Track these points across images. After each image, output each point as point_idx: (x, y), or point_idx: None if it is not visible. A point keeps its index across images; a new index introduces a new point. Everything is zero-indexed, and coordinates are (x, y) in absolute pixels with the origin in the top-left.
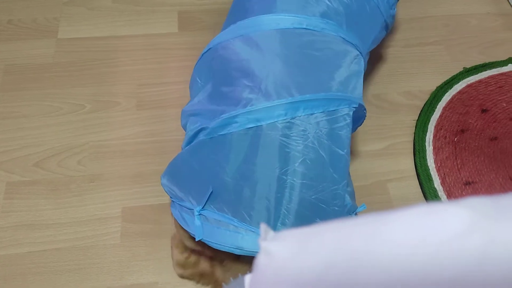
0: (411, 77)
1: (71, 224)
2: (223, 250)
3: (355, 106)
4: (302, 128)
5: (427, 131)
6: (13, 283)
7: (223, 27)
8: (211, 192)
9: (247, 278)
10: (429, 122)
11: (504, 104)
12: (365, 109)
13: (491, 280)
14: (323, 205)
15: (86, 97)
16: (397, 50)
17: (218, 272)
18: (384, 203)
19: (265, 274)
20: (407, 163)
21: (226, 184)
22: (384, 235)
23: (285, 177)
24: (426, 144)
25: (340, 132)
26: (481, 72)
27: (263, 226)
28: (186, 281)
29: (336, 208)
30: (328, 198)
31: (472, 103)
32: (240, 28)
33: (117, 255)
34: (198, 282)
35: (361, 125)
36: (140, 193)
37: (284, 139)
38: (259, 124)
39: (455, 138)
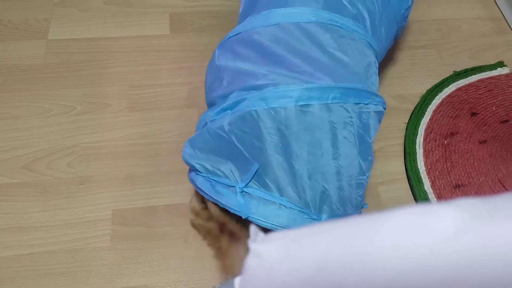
0: (402, 80)
1: (61, 226)
2: (268, 227)
3: (384, 106)
4: (350, 115)
5: (417, 134)
6: (1, 286)
7: (253, 11)
8: (258, 168)
9: (237, 280)
10: (419, 125)
11: (494, 108)
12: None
13: (484, 280)
14: (351, 192)
15: (77, 99)
16: (389, 53)
17: (224, 241)
18: (375, 205)
19: (255, 275)
20: (398, 166)
21: (275, 162)
22: (376, 238)
23: (335, 161)
24: (417, 147)
25: (371, 126)
26: (470, 75)
27: (252, 228)
28: (177, 283)
29: (358, 198)
30: (354, 186)
31: (462, 107)
32: (276, 17)
33: (107, 258)
34: (203, 238)
35: None
36: (130, 196)
37: (335, 122)
38: (311, 103)
39: (445, 141)
